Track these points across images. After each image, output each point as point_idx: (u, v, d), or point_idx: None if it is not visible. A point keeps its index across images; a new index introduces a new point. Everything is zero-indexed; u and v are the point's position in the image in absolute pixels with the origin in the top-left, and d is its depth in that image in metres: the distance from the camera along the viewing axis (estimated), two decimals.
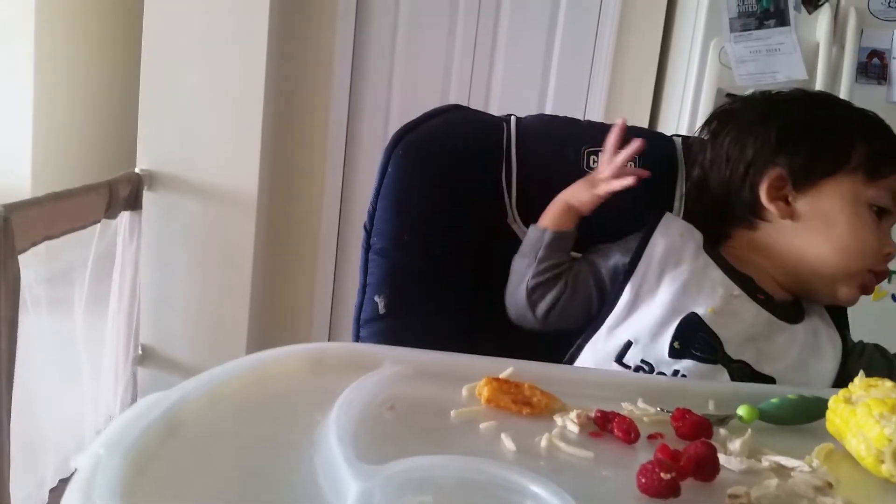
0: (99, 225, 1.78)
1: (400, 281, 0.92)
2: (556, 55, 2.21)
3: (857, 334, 0.97)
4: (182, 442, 0.52)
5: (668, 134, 1.06)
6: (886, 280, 0.95)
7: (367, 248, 0.93)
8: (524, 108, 1.08)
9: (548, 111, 1.96)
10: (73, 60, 2.43)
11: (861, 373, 0.67)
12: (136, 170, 1.99)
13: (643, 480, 0.51)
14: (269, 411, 0.61)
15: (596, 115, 2.15)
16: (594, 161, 0.97)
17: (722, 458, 0.57)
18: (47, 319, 1.61)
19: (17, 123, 2.30)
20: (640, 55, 2.20)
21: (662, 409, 0.66)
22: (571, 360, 0.89)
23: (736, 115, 0.96)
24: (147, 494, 0.45)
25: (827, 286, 0.90)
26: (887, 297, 2.00)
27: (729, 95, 1.99)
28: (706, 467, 0.54)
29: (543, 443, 0.58)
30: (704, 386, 0.78)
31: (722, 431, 0.64)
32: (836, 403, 0.65)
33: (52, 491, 1.64)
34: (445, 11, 2.19)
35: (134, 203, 1.93)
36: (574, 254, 0.95)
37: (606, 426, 0.61)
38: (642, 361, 0.85)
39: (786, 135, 0.90)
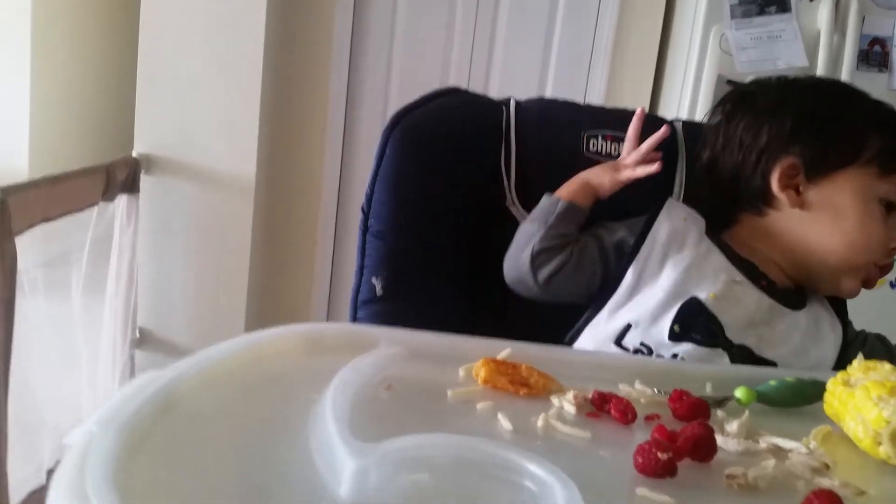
0: (96, 208, 1.77)
1: (397, 263, 0.92)
2: (556, 40, 2.19)
3: (855, 323, 0.97)
4: (176, 420, 0.52)
5: (668, 119, 1.05)
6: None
7: (365, 230, 0.93)
8: (524, 92, 1.08)
9: (548, 96, 1.95)
10: (71, 43, 2.42)
11: (860, 355, 0.67)
12: (134, 153, 1.98)
13: (640, 460, 0.51)
14: (264, 390, 0.61)
15: (596, 100, 2.13)
16: (593, 145, 0.97)
17: (719, 439, 0.56)
18: (44, 303, 1.60)
19: (14, 106, 2.28)
20: (641, 40, 2.19)
21: (660, 391, 0.66)
22: (571, 343, 0.89)
23: (751, 99, 0.95)
24: (140, 472, 0.45)
25: (830, 277, 0.90)
26: (885, 286, 2.00)
27: (729, 82, 1.99)
28: (703, 448, 0.54)
29: (540, 423, 0.58)
30: (702, 368, 0.78)
31: (719, 413, 0.64)
32: (835, 386, 0.65)
33: (49, 473, 1.64)
34: None
35: (131, 186, 1.93)
36: None
37: (603, 407, 0.61)
38: (641, 344, 0.85)
39: (801, 124, 0.89)
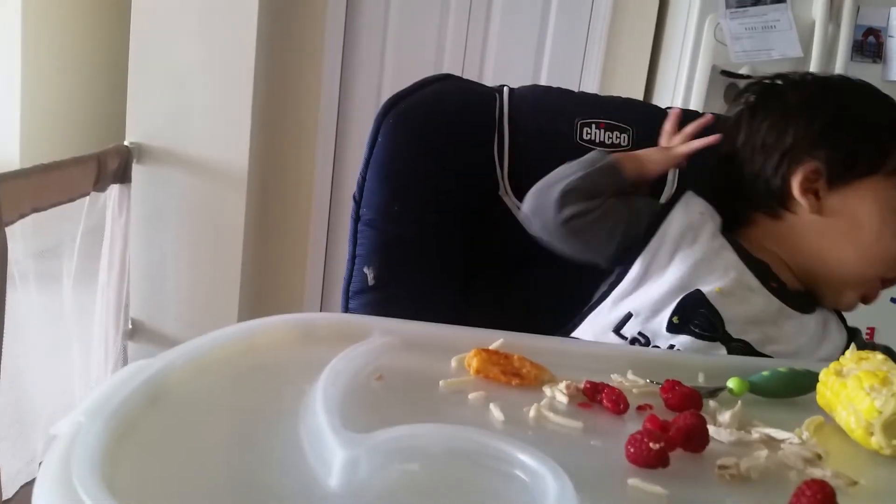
0: (88, 198, 1.77)
1: (389, 252, 0.92)
2: (551, 27, 2.19)
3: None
4: (165, 410, 0.52)
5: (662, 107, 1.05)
6: None
7: (357, 218, 0.92)
8: (519, 80, 1.07)
9: (542, 84, 1.95)
10: (62, 32, 2.40)
11: (853, 345, 0.67)
12: (126, 142, 1.97)
13: (632, 450, 0.50)
14: (254, 380, 0.60)
15: (590, 89, 2.13)
16: (587, 133, 0.96)
17: (711, 429, 0.56)
18: (36, 294, 1.60)
19: (5, 95, 2.27)
20: (636, 30, 2.18)
21: (652, 381, 0.65)
22: (571, 330, 0.88)
23: (779, 96, 0.92)
24: (128, 462, 0.45)
25: (834, 289, 0.89)
26: (885, 300, 1.99)
27: (724, 73, 1.99)
28: (695, 438, 0.54)
29: (532, 413, 0.57)
30: (695, 359, 0.77)
31: (712, 403, 0.63)
32: (827, 376, 0.64)
33: (42, 465, 1.64)
34: None
35: (123, 176, 1.92)
36: None
37: (595, 397, 0.61)
38: (639, 334, 0.84)
39: (828, 128, 0.87)
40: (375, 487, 0.45)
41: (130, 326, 2.06)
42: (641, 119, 0.94)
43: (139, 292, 2.05)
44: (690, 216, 0.88)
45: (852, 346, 0.67)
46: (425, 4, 2.17)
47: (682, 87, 2.00)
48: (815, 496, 0.45)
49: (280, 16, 2.10)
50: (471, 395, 0.59)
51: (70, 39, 2.41)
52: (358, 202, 0.92)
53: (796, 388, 0.68)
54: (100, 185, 1.79)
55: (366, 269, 0.91)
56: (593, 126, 0.96)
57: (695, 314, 0.83)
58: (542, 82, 2.12)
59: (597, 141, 0.97)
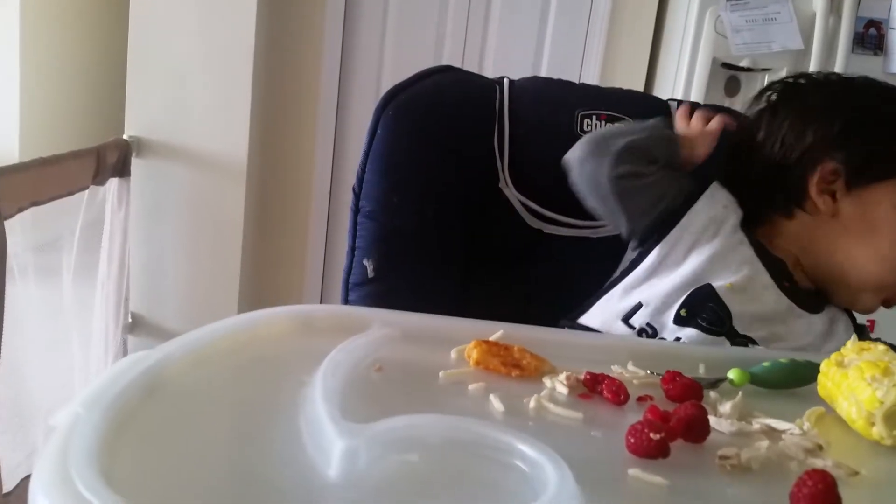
0: (87, 192, 1.76)
1: (389, 244, 0.91)
2: (551, 19, 2.18)
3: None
4: (163, 401, 0.51)
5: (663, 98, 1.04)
6: None
7: (356, 210, 0.92)
8: (519, 71, 1.06)
9: (543, 75, 1.94)
10: (61, 25, 2.39)
11: (854, 336, 0.67)
12: (125, 136, 1.96)
13: (632, 441, 0.50)
14: (253, 372, 0.60)
15: (591, 80, 2.12)
16: (588, 125, 0.96)
17: (712, 420, 0.56)
18: (35, 288, 1.59)
19: (4, 89, 2.26)
20: (636, 22, 2.18)
21: (652, 372, 0.65)
22: (579, 315, 0.87)
23: (800, 94, 0.91)
24: (126, 454, 0.44)
25: (850, 291, 0.87)
26: None
27: (724, 65, 1.98)
28: (696, 428, 0.54)
29: (532, 404, 0.57)
30: (696, 350, 0.77)
31: (712, 394, 0.63)
32: (828, 367, 0.64)
33: (39, 456, 1.64)
34: None
35: (122, 170, 1.91)
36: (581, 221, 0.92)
37: (596, 388, 0.60)
38: (647, 325, 0.83)
39: (850, 129, 0.86)
40: (374, 478, 0.45)
41: (130, 320, 2.06)
42: (642, 111, 0.94)
43: (139, 286, 2.04)
44: (714, 209, 0.87)
45: (853, 336, 0.67)
46: None
47: (683, 79, 2.00)
48: (817, 486, 0.45)
49: (279, 9, 2.10)
50: (471, 387, 0.59)
51: (69, 33, 2.40)
52: (357, 194, 0.92)
53: (797, 378, 0.68)
54: (99, 178, 1.78)
55: (365, 262, 0.90)
56: (594, 118, 0.96)
57: (703, 308, 0.82)
58: (543, 74, 2.12)
59: None
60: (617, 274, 0.88)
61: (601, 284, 0.89)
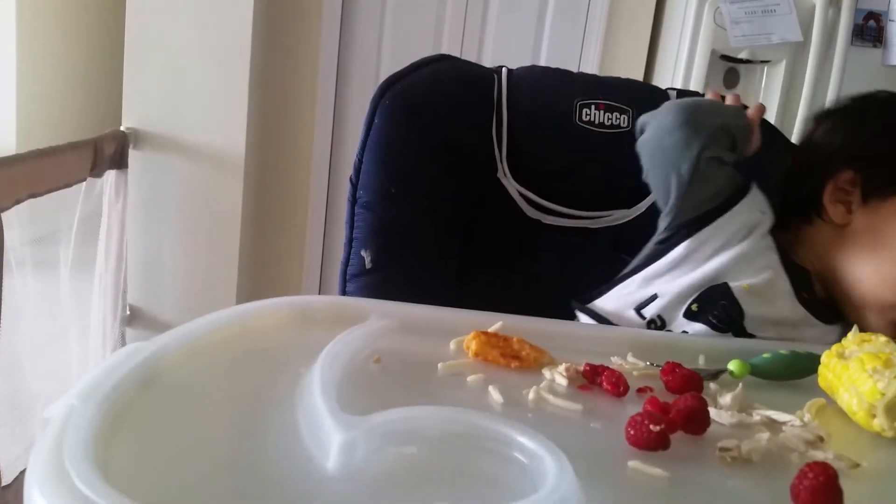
0: (84, 184, 1.75)
1: (387, 235, 0.91)
2: (550, 11, 2.17)
3: None
4: (159, 393, 0.51)
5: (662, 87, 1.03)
6: None
7: (354, 201, 0.91)
8: (518, 60, 1.06)
9: (541, 64, 1.94)
10: (58, 16, 2.38)
11: (854, 327, 0.66)
12: (122, 128, 1.95)
13: (632, 432, 0.50)
14: (250, 363, 0.60)
15: (590, 70, 2.12)
16: (586, 114, 0.95)
17: (712, 411, 0.56)
18: (33, 281, 1.59)
19: (1, 81, 2.25)
20: (635, 13, 2.17)
21: (652, 364, 0.65)
22: (591, 299, 0.86)
23: (846, 106, 0.91)
24: (121, 446, 0.44)
25: (855, 309, 0.85)
26: None
27: (723, 57, 1.97)
28: (696, 420, 0.53)
29: (531, 395, 0.57)
30: (696, 341, 0.77)
31: (713, 386, 0.63)
32: (829, 358, 0.64)
33: (34, 449, 1.63)
34: None
35: (119, 161, 1.90)
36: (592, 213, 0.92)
37: (595, 379, 0.60)
38: (658, 316, 0.82)
39: (872, 140, 0.85)
40: (372, 470, 0.44)
41: (128, 313, 2.05)
42: (641, 100, 0.93)
43: (137, 278, 2.04)
44: (753, 214, 0.85)
45: (854, 328, 0.66)
46: None
47: (682, 71, 1.99)
48: (818, 478, 0.44)
49: (277, 0, 2.09)
50: (469, 378, 0.59)
51: (66, 24, 2.39)
52: (355, 185, 0.91)
53: (798, 370, 0.68)
54: (96, 170, 1.78)
55: (363, 252, 0.90)
56: (593, 107, 0.95)
57: (715, 305, 0.81)
58: (542, 63, 2.11)
59: (596, 122, 0.95)
60: (639, 262, 0.86)
61: (599, 275, 0.89)
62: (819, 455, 0.52)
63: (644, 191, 0.92)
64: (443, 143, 0.93)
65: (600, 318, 0.84)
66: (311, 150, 2.19)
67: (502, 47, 2.16)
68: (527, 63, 1.02)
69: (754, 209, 0.86)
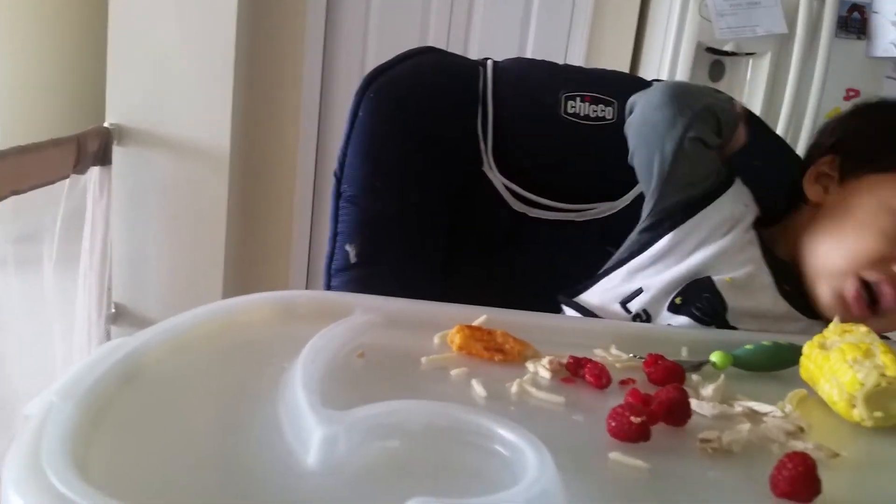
0: (68, 181, 1.74)
1: (371, 229, 0.90)
2: (536, 3, 2.17)
3: None
4: (141, 389, 0.51)
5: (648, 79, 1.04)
6: None
7: (338, 195, 0.91)
8: (504, 53, 1.05)
9: (527, 56, 1.94)
10: (39, 11, 2.36)
11: (836, 318, 0.67)
12: (105, 123, 1.94)
13: (613, 424, 0.50)
14: (233, 358, 0.59)
15: (576, 62, 2.12)
16: (572, 106, 0.95)
17: (694, 403, 0.56)
18: (16, 279, 1.58)
19: None
20: (621, 5, 2.17)
21: (635, 356, 0.65)
22: (577, 293, 0.87)
23: (855, 107, 0.93)
24: (101, 443, 0.44)
25: (811, 282, 0.85)
26: None
27: (709, 50, 1.98)
28: (677, 412, 0.54)
29: (514, 388, 0.57)
30: (678, 333, 0.77)
31: (695, 377, 0.63)
32: (811, 349, 0.64)
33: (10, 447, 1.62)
34: None
35: (103, 158, 1.89)
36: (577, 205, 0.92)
37: (578, 372, 0.60)
38: (643, 311, 0.83)
39: (856, 129, 0.88)
40: (354, 465, 0.44)
41: (113, 310, 2.04)
42: (627, 92, 0.92)
43: (121, 276, 2.02)
44: (737, 206, 0.86)
45: (836, 318, 0.67)
46: None
47: (668, 63, 1.99)
48: (797, 468, 0.45)
49: None
50: (453, 372, 0.59)
51: (48, 19, 2.37)
52: (339, 179, 0.91)
53: (779, 361, 0.68)
54: (80, 167, 1.76)
55: (348, 247, 0.90)
56: (578, 99, 0.95)
57: (698, 297, 0.81)
58: (528, 55, 2.11)
59: (581, 114, 0.96)
60: (623, 254, 0.87)
61: (585, 268, 0.89)
62: (799, 445, 0.52)
63: (630, 182, 0.93)
64: (427, 135, 0.93)
65: (586, 312, 0.84)
66: (296, 145, 2.18)
67: (488, 40, 2.16)
68: (513, 54, 1.02)
69: (738, 201, 0.86)
